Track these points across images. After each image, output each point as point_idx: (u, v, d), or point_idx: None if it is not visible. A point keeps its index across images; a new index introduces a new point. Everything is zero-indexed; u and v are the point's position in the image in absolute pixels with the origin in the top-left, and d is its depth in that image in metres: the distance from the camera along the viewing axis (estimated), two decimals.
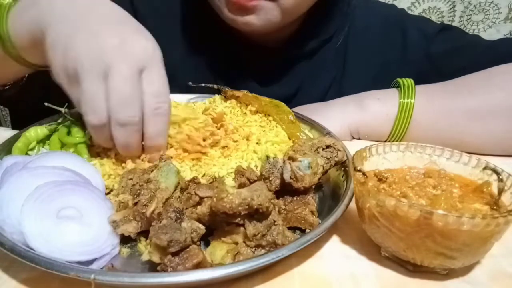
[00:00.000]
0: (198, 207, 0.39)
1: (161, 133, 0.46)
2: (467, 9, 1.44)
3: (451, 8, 1.43)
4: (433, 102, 0.62)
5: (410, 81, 0.64)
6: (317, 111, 0.66)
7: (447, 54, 0.73)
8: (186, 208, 0.40)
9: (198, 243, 0.37)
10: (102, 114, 0.43)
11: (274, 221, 0.39)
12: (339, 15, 0.75)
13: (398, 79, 0.65)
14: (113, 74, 0.42)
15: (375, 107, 0.64)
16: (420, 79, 0.65)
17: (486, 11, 1.44)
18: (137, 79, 0.43)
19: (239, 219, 0.37)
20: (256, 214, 0.37)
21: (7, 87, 0.63)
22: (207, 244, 0.40)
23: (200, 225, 0.37)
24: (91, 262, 0.37)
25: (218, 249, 0.38)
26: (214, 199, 0.37)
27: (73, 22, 0.45)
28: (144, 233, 0.40)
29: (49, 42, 0.45)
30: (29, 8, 0.50)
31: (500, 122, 0.59)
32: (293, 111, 0.60)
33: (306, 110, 0.67)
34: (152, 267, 0.36)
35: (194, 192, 0.40)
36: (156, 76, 0.45)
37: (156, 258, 0.35)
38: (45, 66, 0.53)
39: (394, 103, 0.62)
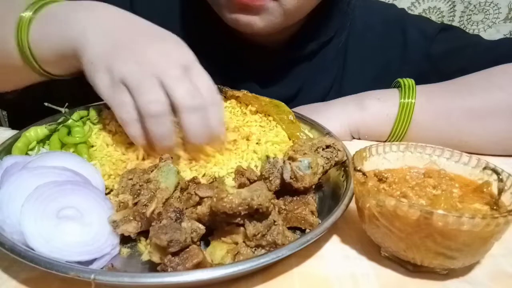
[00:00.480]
0: (198, 207, 0.39)
1: (221, 121, 0.49)
2: (467, 9, 1.44)
3: (451, 8, 1.43)
4: (433, 102, 0.62)
5: (411, 81, 0.64)
6: (317, 111, 0.66)
7: (447, 55, 0.73)
8: (186, 208, 0.40)
9: (198, 243, 0.37)
10: (164, 103, 0.45)
11: (274, 221, 0.39)
12: (339, 15, 0.75)
13: (399, 79, 0.65)
14: (167, 78, 0.45)
15: (375, 107, 0.64)
16: (421, 79, 0.65)
17: (486, 11, 1.44)
18: (188, 77, 0.47)
19: (239, 219, 0.37)
20: (256, 214, 0.37)
21: (10, 90, 0.63)
22: (207, 244, 0.40)
23: (200, 225, 0.37)
24: (91, 262, 0.37)
25: (218, 249, 0.38)
26: (214, 199, 0.37)
27: (112, 39, 0.48)
28: (144, 233, 0.40)
29: (88, 61, 0.48)
30: (53, 23, 0.52)
31: (500, 122, 0.59)
32: (293, 111, 0.60)
33: (306, 110, 0.66)
34: (152, 267, 0.36)
35: (194, 192, 0.40)
36: (203, 78, 0.48)
37: (156, 258, 0.35)
38: (67, 75, 0.57)
39: (395, 103, 0.62)
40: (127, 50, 0.47)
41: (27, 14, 0.52)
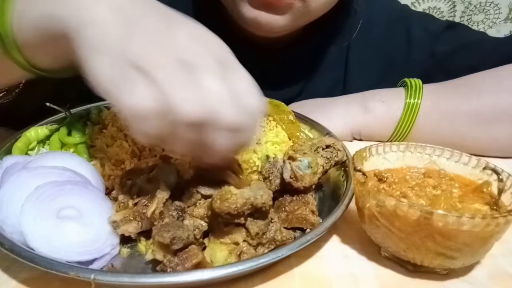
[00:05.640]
0: (195, 209, 0.39)
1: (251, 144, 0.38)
2: (467, 9, 1.44)
3: (451, 8, 1.43)
4: (438, 106, 0.60)
5: (418, 81, 0.62)
6: (321, 110, 0.66)
7: (454, 53, 0.71)
8: (188, 207, 0.40)
9: (201, 240, 0.37)
10: (206, 107, 0.32)
11: (272, 219, 0.39)
12: (349, 16, 0.74)
13: (406, 79, 0.64)
14: (201, 71, 0.33)
15: (379, 110, 0.63)
16: (426, 78, 0.64)
17: (486, 11, 1.44)
18: (227, 78, 0.35)
19: (242, 218, 0.37)
20: (256, 213, 0.37)
21: (1, 94, 0.58)
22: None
23: (202, 222, 0.37)
24: (91, 262, 0.37)
25: (218, 251, 0.38)
26: (218, 201, 0.36)
27: (125, 17, 0.35)
28: (144, 233, 0.40)
29: (83, 43, 0.35)
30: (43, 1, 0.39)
31: (505, 127, 0.58)
32: (293, 111, 0.60)
33: (310, 105, 0.66)
34: (152, 267, 0.36)
35: (196, 190, 0.40)
36: (245, 76, 0.37)
37: (159, 256, 0.35)
38: (55, 70, 0.47)
39: (399, 106, 0.61)
40: (147, 32, 0.34)
41: None
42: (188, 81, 0.32)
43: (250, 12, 0.59)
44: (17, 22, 0.41)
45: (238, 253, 0.37)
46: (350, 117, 0.65)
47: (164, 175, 0.42)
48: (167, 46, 0.33)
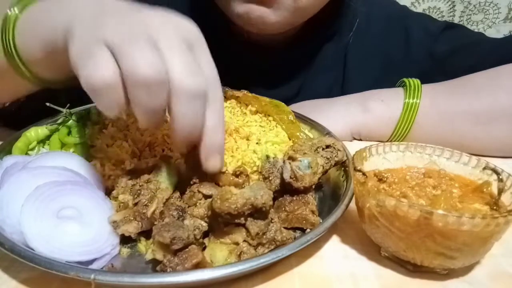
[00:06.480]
0: (195, 209, 0.39)
1: (221, 124, 0.39)
2: (466, 9, 1.44)
3: (450, 8, 1.43)
4: (437, 105, 0.61)
5: (416, 81, 0.63)
6: (320, 109, 0.66)
7: (453, 53, 0.72)
8: (189, 207, 0.40)
9: (201, 240, 0.37)
10: (160, 68, 0.34)
11: (272, 219, 0.39)
12: (346, 14, 0.74)
13: (405, 79, 0.65)
14: (165, 45, 0.35)
15: (378, 109, 0.63)
16: (425, 78, 0.64)
17: (485, 11, 1.44)
18: (191, 53, 0.37)
19: (242, 218, 0.37)
20: (256, 213, 0.38)
21: (6, 105, 0.60)
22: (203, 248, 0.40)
23: (203, 222, 0.37)
24: (91, 262, 0.37)
25: (218, 251, 0.38)
26: (218, 201, 0.37)
27: (95, 12, 0.38)
28: (144, 233, 0.40)
29: (70, 38, 0.38)
30: (42, 14, 0.46)
31: (506, 127, 0.59)
32: (293, 111, 0.60)
33: (309, 105, 0.66)
34: (152, 267, 0.36)
35: (197, 189, 0.40)
36: (207, 58, 0.39)
37: (159, 256, 0.35)
38: (59, 81, 0.52)
39: (398, 106, 0.62)
40: (117, 15, 0.37)
41: (13, 12, 0.47)
42: (154, 51, 0.34)
43: (241, 6, 0.59)
44: (21, 38, 0.47)
45: (238, 253, 0.37)
46: (350, 117, 0.65)
47: (164, 175, 0.42)
48: (136, 25, 0.35)
